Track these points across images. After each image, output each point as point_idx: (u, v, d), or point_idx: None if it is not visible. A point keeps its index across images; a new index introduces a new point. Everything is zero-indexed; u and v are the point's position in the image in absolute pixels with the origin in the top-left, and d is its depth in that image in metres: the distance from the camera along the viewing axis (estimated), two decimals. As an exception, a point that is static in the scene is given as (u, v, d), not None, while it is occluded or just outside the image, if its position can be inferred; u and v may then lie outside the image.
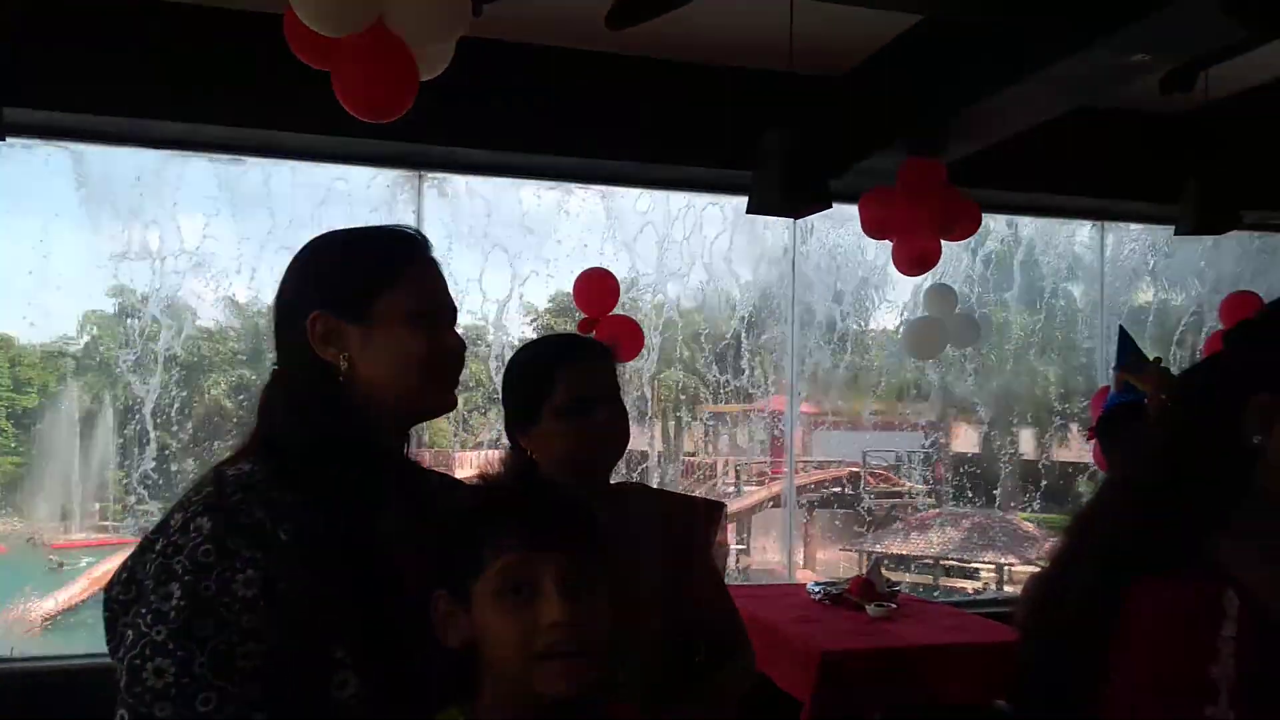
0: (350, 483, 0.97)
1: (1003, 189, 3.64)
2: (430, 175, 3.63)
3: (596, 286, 3.53)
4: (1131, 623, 0.95)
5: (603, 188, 3.84)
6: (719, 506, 1.62)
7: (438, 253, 1.11)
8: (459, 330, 1.11)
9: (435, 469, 1.18)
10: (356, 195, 3.74)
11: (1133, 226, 4.49)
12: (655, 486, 1.66)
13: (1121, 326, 2.39)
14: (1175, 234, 3.32)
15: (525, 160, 3.54)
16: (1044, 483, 7.16)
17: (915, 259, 3.50)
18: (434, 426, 5.01)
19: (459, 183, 3.72)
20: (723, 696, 1.50)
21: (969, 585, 7.84)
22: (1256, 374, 0.97)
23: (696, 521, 1.56)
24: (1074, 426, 7.03)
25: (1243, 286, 4.10)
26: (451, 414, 1.37)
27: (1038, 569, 1.37)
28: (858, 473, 8.51)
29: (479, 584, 0.91)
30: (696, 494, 1.95)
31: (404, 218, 3.43)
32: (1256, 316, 1.05)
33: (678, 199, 4.19)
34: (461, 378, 1.12)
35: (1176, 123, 3.70)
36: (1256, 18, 2.24)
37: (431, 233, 1.15)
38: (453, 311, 1.10)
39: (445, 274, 1.10)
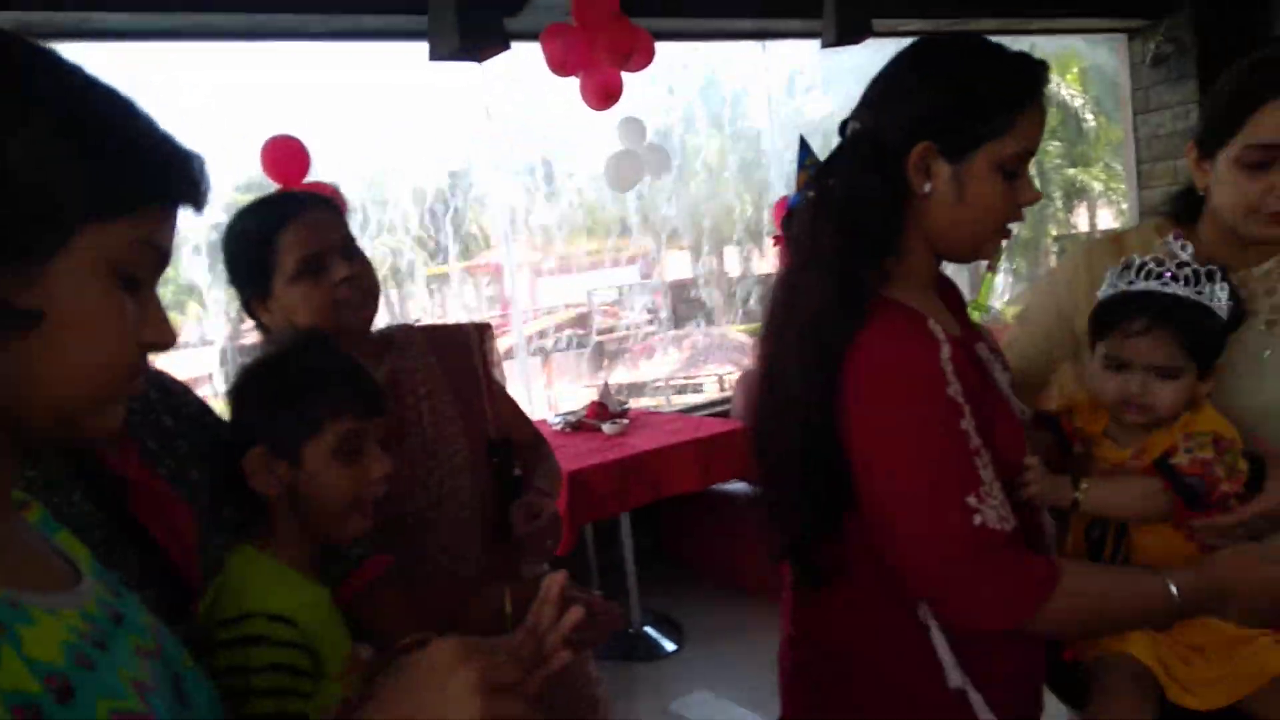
0: None
1: (672, 16, 3.81)
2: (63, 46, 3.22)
3: (284, 153, 3.36)
4: (861, 377, 1.03)
5: (266, 46, 3.59)
6: (486, 326, 1.60)
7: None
8: None
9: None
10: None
11: (795, 43, 4.84)
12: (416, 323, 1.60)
13: (801, 136, 2.64)
14: (821, 47, 3.66)
15: (171, 21, 3.23)
16: (750, 294, 7.85)
17: (600, 93, 3.62)
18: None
19: (96, 53, 3.33)
20: (549, 496, 1.53)
21: (696, 400, 8.56)
22: (910, 129, 1.09)
23: (472, 344, 1.54)
24: (768, 239, 7.70)
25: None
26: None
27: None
28: (586, 313, 8.84)
29: (312, 444, 1.06)
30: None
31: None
32: (881, 81, 1.15)
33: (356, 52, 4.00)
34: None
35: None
36: None
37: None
38: None
39: None
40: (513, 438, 1.53)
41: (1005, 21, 5.13)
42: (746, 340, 8.53)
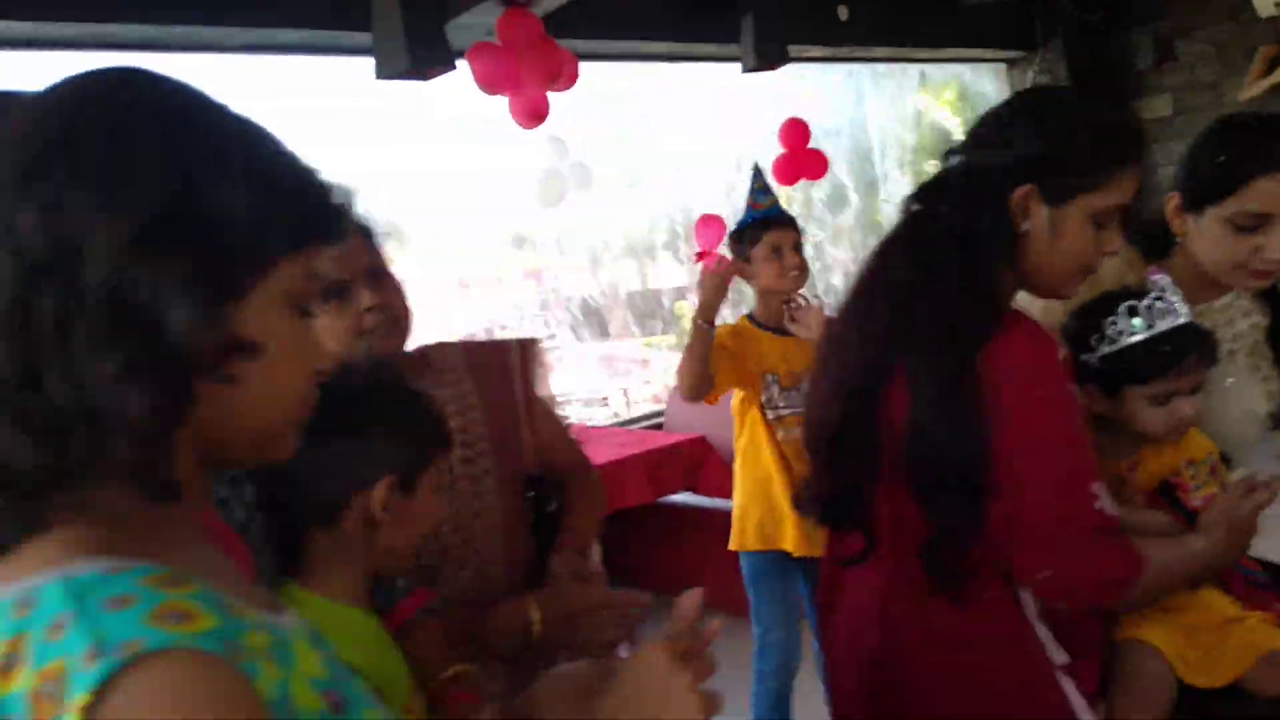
0: None
1: (595, 38, 3.87)
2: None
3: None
4: (1002, 375, 1.12)
5: (193, 58, 3.45)
6: (532, 341, 1.51)
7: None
8: None
9: None
10: None
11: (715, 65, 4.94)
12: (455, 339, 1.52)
13: (755, 163, 2.74)
14: (742, 72, 3.80)
15: (85, 31, 3.08)
16: (644, 308, 7.96)
17: (528, 113, 3.64)
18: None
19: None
20: (586, 529, 1.47)
21: (603, 413, 8.61)
22: (1016, 170, 1.19)
23: (512, 364, 1.46)
24: (664, 254, 7.83)
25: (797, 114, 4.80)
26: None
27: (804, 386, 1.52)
28: (487, 329, 8.77)
29: (426, 474, 1.08)
30: None
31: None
32: (992, 120, 1.26)
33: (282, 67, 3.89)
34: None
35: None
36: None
37: None
38: None
39: None
40: (555, 465, 1.49)
41: (897, 50, 5.41)
42: (648, 354, 8.64)
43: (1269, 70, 5.09)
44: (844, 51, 5.02)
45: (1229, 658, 1.30)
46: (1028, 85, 5.91)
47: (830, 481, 1.31)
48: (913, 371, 1.18)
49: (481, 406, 1.40)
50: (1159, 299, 1.34)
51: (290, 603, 1.02)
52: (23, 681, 0.49)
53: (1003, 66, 6.07)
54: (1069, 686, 1.20)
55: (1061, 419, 1.14)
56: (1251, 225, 1.42)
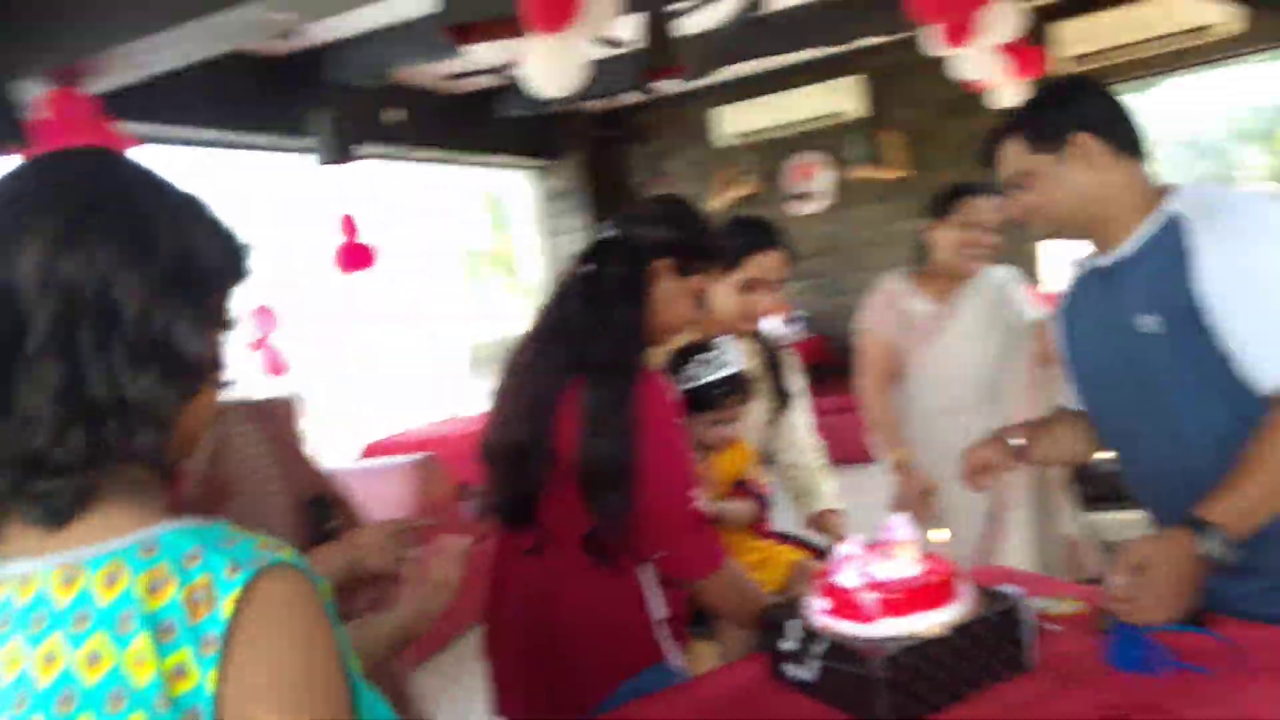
0: None
1: (165, 123, 3.81)
2: None
3: None
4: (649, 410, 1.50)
5: None
6: (291, 400, 1.67)
7: None
8: None
9: None
10: None
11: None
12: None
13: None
14: (320, 164, 3.99)
15: None
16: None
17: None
18: None
19: None
20: None
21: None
22: (655, 248, 1.59)
23: (283, 411, 1.62)
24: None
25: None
26: None
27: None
28: None
29: None
30: None
31: None
32: (644, 208, 1.71)
33: None
34: None
35: (294, 65, 4.34)
36: None
37: None
38: None
39: None
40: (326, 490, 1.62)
41: (445, 154, 5.96)
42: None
43: (729, 187, 6.54)
44: (398, 151, 5.42)
45: (773, 579, 1.89)
46: (551, 189, 6.85)
47: (510, 488, 1.62)
48: (587, 397, 1.50)
49: (267, 443, 1.55)
50: (719, 354, 1.90)
51: None
52: (173, 594, 0.67)
53: (532, 173, 6.94)
54: (664, 632, 1.64)
55: (676, 444, 1.54)
56: (749, 287, 2.11)
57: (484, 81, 5.50)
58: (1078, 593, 1.61)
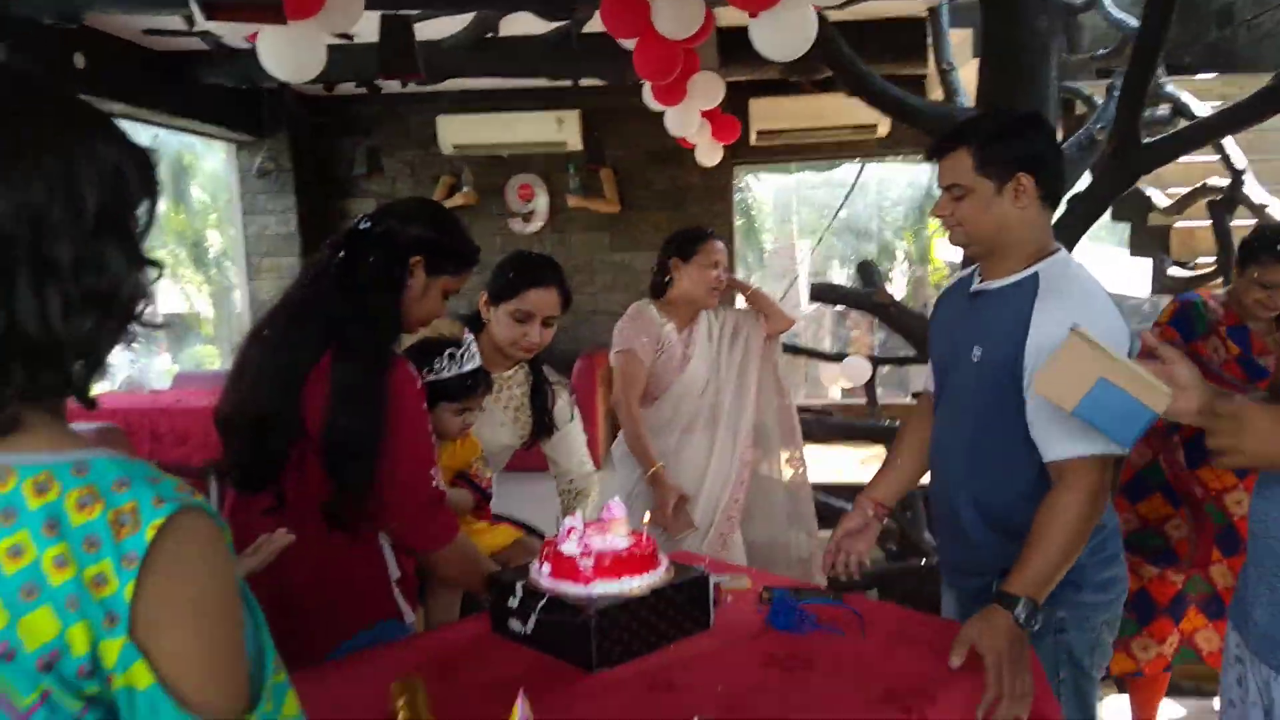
0: None
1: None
2: None
3: None
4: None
5: None
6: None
7: None
8: None
9: None
10: None
11: None
12: None
13: None
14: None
15: None
16: None
17: None
18: None
19: None
20: None
21: None
22: (412, 244, 1.68)
23: None
24: None
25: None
26: None
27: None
28: None
29: None
30: None
31: None
32: (403, 206, 1.80)
33: None
34: None
35: None
36: None
37: None
38: None
39: None
40: None
41: (133, 110, 5.46)
42: None
43: (448, 195, 6.60)
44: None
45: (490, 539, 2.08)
46: (256, 167, 6.49)
47: (251, 453, 1.63)
48: (340, 375, 1.59)
49: None
50: (466, 351, 2.03)
51: None
52: (100, 512, 0.72)
53: (233, 148, 6.53)
54: (399, 590, 1.75)
55: (422, 426, 1.65)
56: (522, 318, 2.22)
57: (184, 43, 5.15)
58: (751, 575, 1.92)
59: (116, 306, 0.77)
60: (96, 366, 0.78)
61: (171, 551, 0.73)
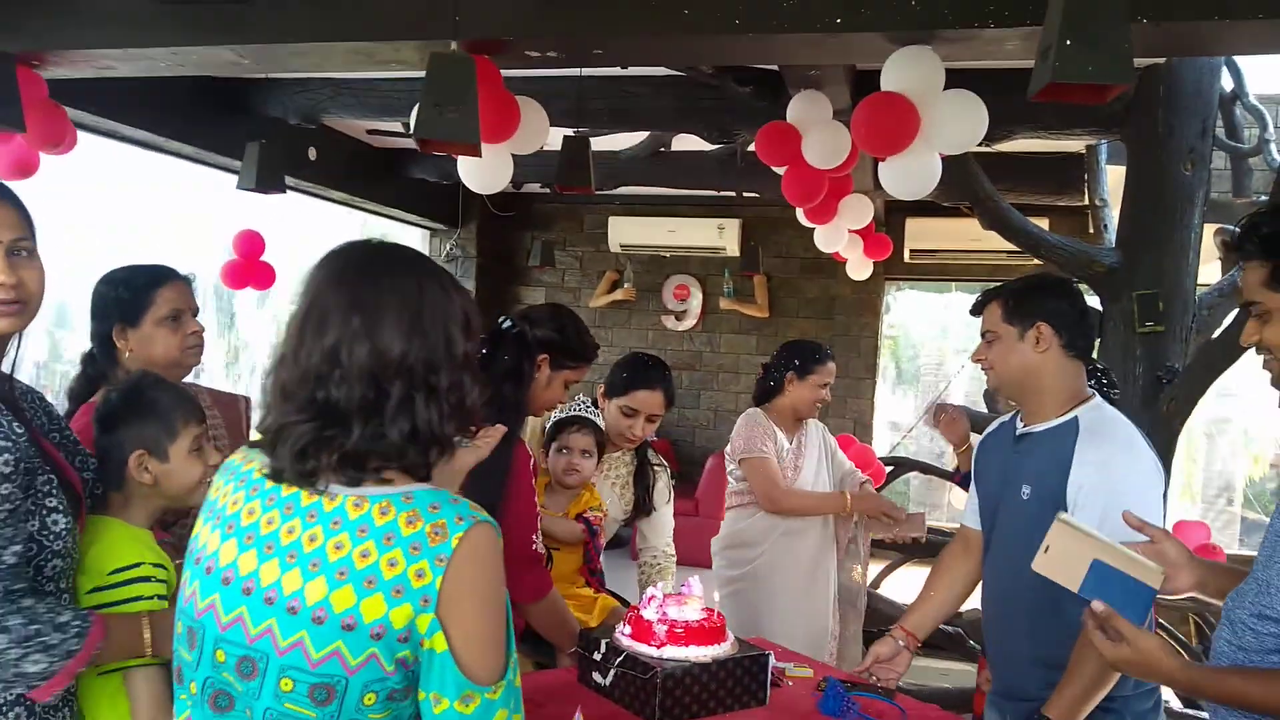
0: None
1: (96, 114, 4.03)
2: None
3: None
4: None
5: None
6: (246, 399, 2.04)
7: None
8: None
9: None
10: None
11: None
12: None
13: None
14: (237, 188, 4.25)
15: None
16: None
17: (15, 166, 3.64)
18: None
19: None
20: None
21: None
22: (540, 344, 2.05)
23: (241, 408, 1.99)
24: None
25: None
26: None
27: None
28: None
29: (174, 444, 1.54)
30: None
31: None
32: (537, 311, 2.16)
33: None
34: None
35: (232, 89, 4.64)
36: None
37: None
38: None
39: None
40: None
41: (351, 199, 6.27)
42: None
43: (610, 290, 7.12)
44: (309, 187, 5.72)
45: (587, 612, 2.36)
46: (446, 253, 7.25)
47: None
48: None
49: (226, 428, 1.95)
50: (577, 404, 2.45)
51: (108, 527, 1.49)
52: (421, 526, 1.02)
53: (427, 233, 7.32)
54: None
55: (529, 495, 2.01)
56: (629, 413, 2.56)
57: (398, 141, 5.93)
58: (815, 667, 2.11)
59: (465, 415, 1.11)
60: (445, 446, 1.10)
61: (468, 554, 1.02)
